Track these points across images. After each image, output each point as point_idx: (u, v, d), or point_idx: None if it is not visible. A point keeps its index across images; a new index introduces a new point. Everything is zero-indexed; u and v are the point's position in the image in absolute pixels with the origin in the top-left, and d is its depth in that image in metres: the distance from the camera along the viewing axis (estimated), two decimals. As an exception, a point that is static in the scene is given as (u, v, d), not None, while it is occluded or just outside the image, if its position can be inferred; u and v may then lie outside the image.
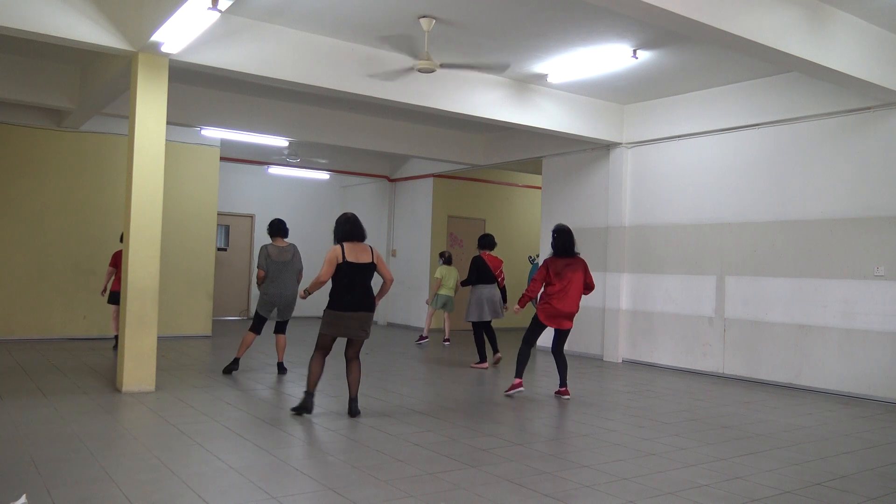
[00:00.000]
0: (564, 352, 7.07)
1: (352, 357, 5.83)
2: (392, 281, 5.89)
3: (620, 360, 9.95)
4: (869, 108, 7.56)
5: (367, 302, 5.71)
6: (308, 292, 5.82)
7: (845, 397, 7.49)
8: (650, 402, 6.91)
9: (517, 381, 6.91)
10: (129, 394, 6.37)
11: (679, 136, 9.46)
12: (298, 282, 7.79)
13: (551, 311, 6.77)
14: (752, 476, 4.42)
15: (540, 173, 11.97)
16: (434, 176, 13.79)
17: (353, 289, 5.64)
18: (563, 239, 6.88)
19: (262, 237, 15.09)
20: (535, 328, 6.92)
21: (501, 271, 9.12)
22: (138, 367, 6.48)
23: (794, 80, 8.07)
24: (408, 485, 3.97)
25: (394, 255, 14.78)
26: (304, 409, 5.72)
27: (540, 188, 12.27)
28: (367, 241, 5.91)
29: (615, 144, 10.15)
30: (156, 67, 6.59)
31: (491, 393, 7.31)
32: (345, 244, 5.69)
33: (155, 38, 6.06)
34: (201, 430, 5.14)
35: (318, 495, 3.79)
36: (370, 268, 5.74)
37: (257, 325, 7.68)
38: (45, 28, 5.93)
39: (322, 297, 5.82)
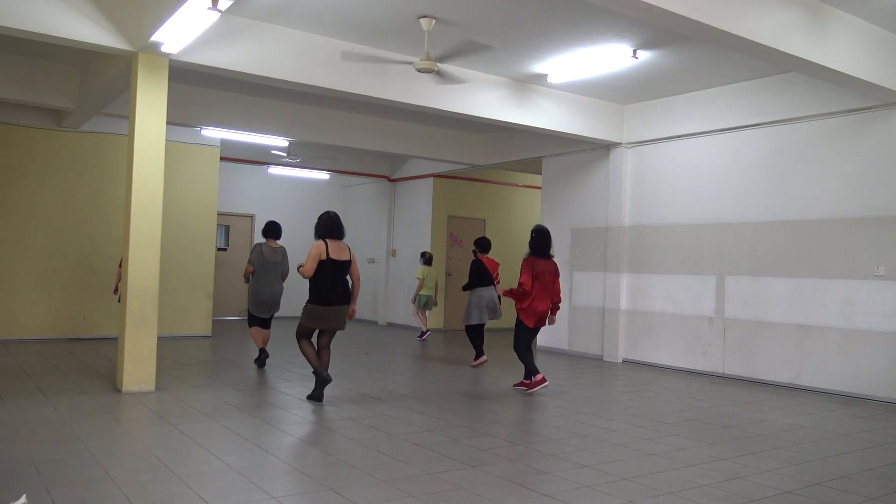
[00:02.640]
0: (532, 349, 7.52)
1: (324, 346, 6.28)
2: (359, 280, 6.35)
3: (620, 360, 9.95)
4: (869, 108, 7.56)
5: (346, 296, 6.20)
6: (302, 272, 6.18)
7: (845, 397, 7.49)
8: (650, 402, 6.91)
9: (539, 377, 7.12)
10: (129, 394, 6.37)
11: (679, 136, 9.46)
12: (283, 281, 8.28)
13: (533, 311, 7.00)
14: (752, 476, 4.42)
15: (540, 173, 11.97)
16: (434, 176, 13.79)
17: (334, 284, 6.06)
18: (541, 240, 7.09)
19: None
20: (524, 333, 7.12)
21: (497, 274, 9.17)
22: (138, 367, 6.48)
23: (794, 80, 8.07)
24: (408, 485, 3.97)
25: (394, 255, 14.78)
26: (323, 382, 6.20)
27: (540, 188, 12.26)
28: (347, 240, 6.39)
29: (615, 144, 10.14)
30: (156, 67, 6.59)
31: (491, 393, 7.31)
32: (328, 241, 6.06)
33: (155, 38, 6.06)
34: (201, 430, 5.14)
35: (318, 495, 3.79)
36: (348, 265, 6.16)
37: (253, 320, 8.29)
38: (45, 28, 5.94)
39: (303, 295, 6.31)
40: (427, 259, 11.68)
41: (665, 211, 9.62)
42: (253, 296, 8.08)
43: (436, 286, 11.73)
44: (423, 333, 12.03)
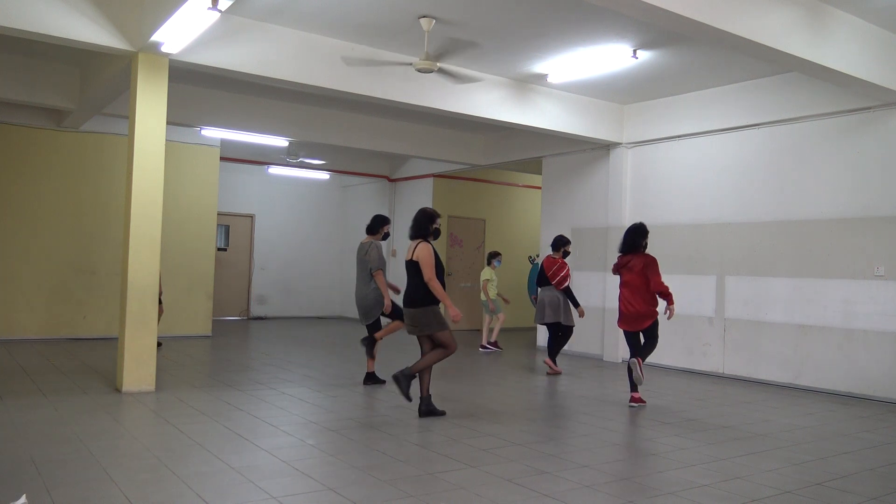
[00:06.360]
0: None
1: (424, 353, 5.85)
2: (430, 280, 5.67)
3: (620, 360, 9.94)
4: (869, 108, 7.55)
5: (410, 298, 5.76)
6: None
7: (845, 397, 7.49)
8: (650, 402, 6.91)
9: (634, 395, 6.67)
10: (129, 394, 6.37)
11: (679, 136, 9.45)
12: (373, 282, 7.05)
13: (619, 310, 6.67)
14: (752, 476, 4.42)
15: (540, 173, 11.97)
16: (434, 176, 13.79)
17: (407, 285, 5.87)
18: (625, 236, 6.76)
19: (261, 237, 15.11)
20: (627, 337, 6.73)
21: (556, 272, 8.43)
22: (138, 367, 6.49)
23: (794, 80, 8.07)
24: (408, 485, 3.97)
25: (394, 255, 14.78)
26: (402, 391, 5.69)
27: (540, 188, 12.26)
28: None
29: (615, 144, 10.14)
30: (156, 67, 6.59)
31: (491, 393, 7.31)
32: (413, 241, 5.95)
33: (155, 38, 6.06)
34: (201, 430, 5.14)
35: (318, 495, 3.79)
36: (413, 265, 5.81)
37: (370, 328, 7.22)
38: (45, 28, 5.94)
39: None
40: (488, 258, 10.89)
41: (665, 211, 9.62)
42: None
43: (484, 287, 10.64)
44: (484, 344, 10.74)
